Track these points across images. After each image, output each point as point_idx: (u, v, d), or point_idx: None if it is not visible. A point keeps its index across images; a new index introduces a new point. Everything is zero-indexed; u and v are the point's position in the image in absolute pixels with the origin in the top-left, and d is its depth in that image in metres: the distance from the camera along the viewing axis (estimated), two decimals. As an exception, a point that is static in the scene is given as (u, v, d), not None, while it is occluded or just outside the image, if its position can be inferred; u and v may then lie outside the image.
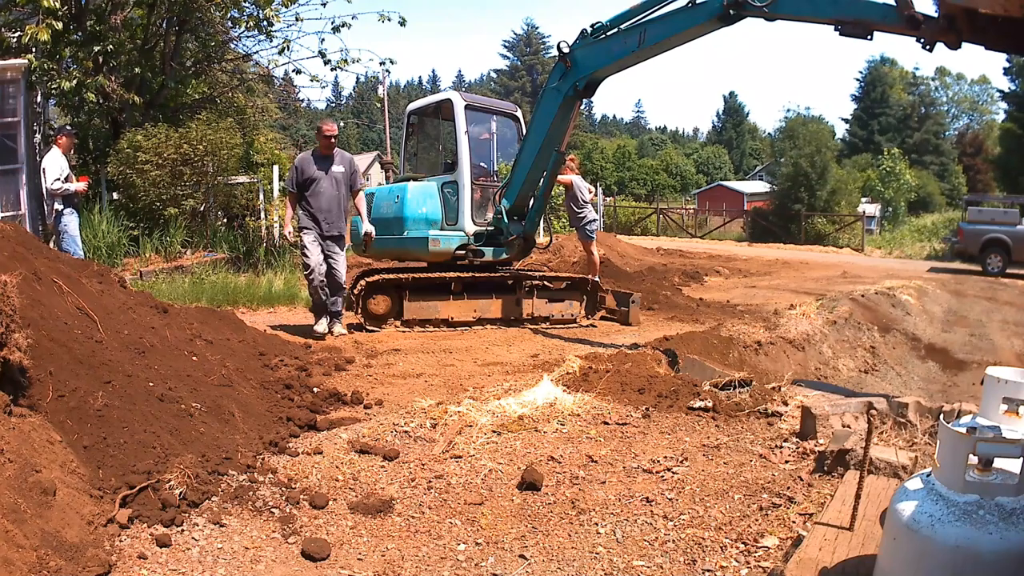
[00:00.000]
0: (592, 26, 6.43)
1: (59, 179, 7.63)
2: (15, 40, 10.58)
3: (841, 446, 3.19)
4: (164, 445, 2.98)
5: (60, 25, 9.84)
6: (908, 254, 23.92)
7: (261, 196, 11.05)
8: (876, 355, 7.66)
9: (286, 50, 12.40)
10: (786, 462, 3.42)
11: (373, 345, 6.62)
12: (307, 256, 6.61)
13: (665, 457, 3.52)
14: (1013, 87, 31.05)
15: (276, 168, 11.56)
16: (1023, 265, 16.55)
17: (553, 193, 9.41)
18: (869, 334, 8.04)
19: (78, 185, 7.96)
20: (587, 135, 61.32)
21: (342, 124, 77.32)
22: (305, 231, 6.65)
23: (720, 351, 6.17)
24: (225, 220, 11.41)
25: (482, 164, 8.35)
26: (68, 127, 8.76)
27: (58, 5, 9.71)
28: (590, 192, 10.06)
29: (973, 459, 1.83)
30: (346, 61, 12.51)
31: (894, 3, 4.53)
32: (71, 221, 7.82)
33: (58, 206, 7.67)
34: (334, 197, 6.71)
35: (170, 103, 12.17)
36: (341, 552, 2.75)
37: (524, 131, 8.13)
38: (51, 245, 7.61)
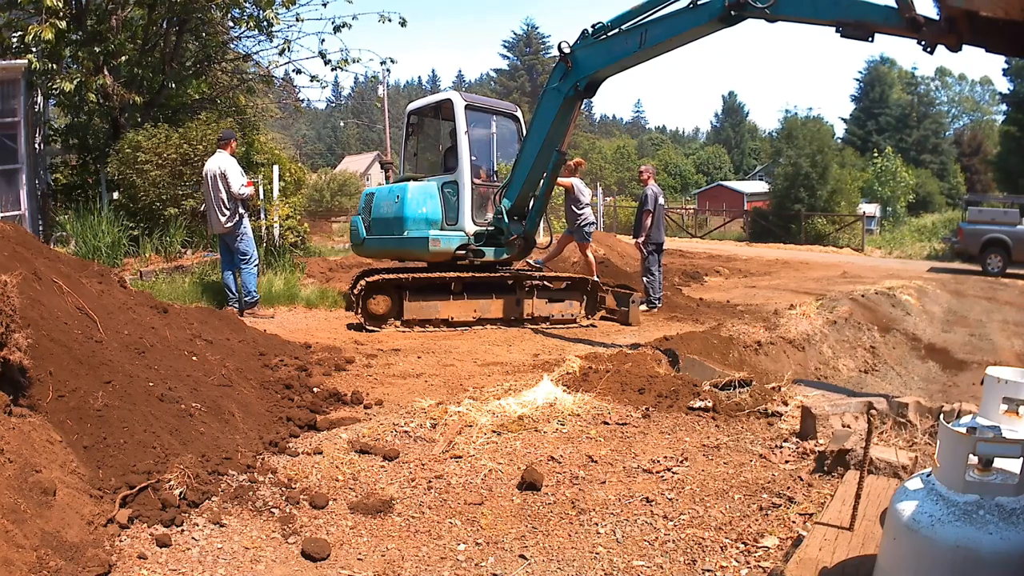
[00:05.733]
0: (593, 26, 6.43)
1: (243, 184, 7.70)
2: (16, 40, 10.57)
3: (841, 446, 3.19)
4: (164, 445, 2.98)
5: (64, 25, 9.83)
6: (908, 254, 23.93)
7: (261, 196, 11.03)
8: (876, 355, 7.65)
9: (286, 50, 12.40)
10: (786, 462, 3.42)
11: (373, 345, 6.63)
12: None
13: (665, 457, 3.52)
14: (1012, 88, 31.03)
15: (276, 168, 11.55)
16: (1023, 265, 16.55)
17: (553, 193, 9.43)
18: (869, 334, 8.04)
19: (252, 189, 8.02)
20: (585, 135, 61.27)
21: (342, 124, 77.47)
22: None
23: (720, 351, 6.17)
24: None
25: (482, 166, 8.35)
26: (230, 131, 8.59)
27: (60, 5, 9.71)
28: (590, 194, 10.11)
29: (973, 459, 1.83)
30: (346, 61, 12.51)
31: (895, 5, 4.53)
32: (249, 224, 7.97)
33: (241, 210, 7.73)
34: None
35: (170, 103, 12.16)
36: (341, 552, 2.75)
37: (524, 131, 8.13)
38: (238, 245, 7.75)
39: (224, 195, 7.55)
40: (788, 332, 6.97)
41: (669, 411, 4.16)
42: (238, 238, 7.74)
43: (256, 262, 8.01)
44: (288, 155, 16.44)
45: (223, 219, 7.60)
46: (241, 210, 7.72)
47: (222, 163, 7.59)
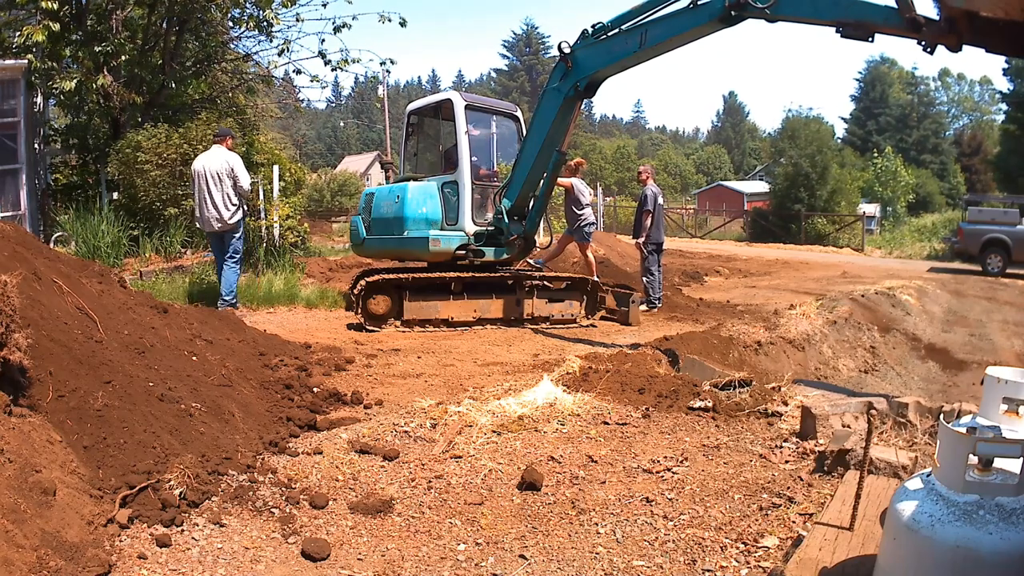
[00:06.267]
0: (593, 26, 6.43)
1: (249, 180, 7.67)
2: (16, 40, 10.57)
3: (841, 446, 3.19)
4: (164, 445, 2.98)
5: (58, 27, 9.82)
6: (908, 254, 23.93)
7: (261, 196, 11.04)
8: (876, 355, 7.65)
9: (286, 51, 12.40)
10: (786, 462, 3.42)
11: (373, 345, 6.63)
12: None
13: (665, 457, 3.52)
14: (1012, 88, 31.04)
15: (276, 168, 11.55)
16: (1023, 265, 16.55)
17: (553, 193, 9.46)
18: (869, 334, 8.04)
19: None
20: (585, 135, 61.31)
21: (342, 124, 77.41)
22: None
23: (720, 351, 6.17)
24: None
25: (482, 166, 8.35)
26: (227, 128, 8.55)
27: (57, 6, 9.71)
28: (590, 194, 10.11)
29: (973, 459, 1.83)
30: (346, 61, 12.51)
31: (895, 5, 4.53)
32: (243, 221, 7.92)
33: (245, 207, 7.66)
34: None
35: (170, 103, 12.17)
36: (341, 552, 2.75)
37: (524, 131, 8.13)
38: (238, 239, 7.70)
39: (231, 190, 7.45)
40: (788, 332, 6.97)
41: (669, 411, 4.16)
42: (237, 235, 7.66)
43: (241, 260, 7.95)
44: (288, 155, 16.45)
45: (227, 214, 7.48)
46: (245, 206, 7.66)
47: (228, 158, 7.49)
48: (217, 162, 7.49)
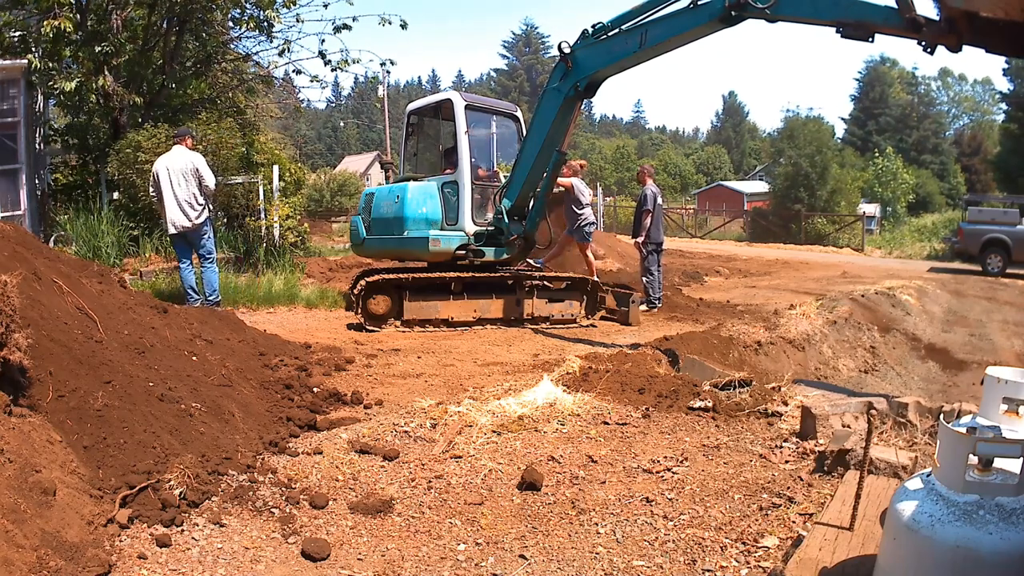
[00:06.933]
0: (593, 27, 6.43)
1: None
2: (16, 39, 10.57)
3: (841, 446, 3.19)
4: (164, 445, 2.98)
5: (78, 17, 9.81)
6: (908, 254, 23.93)
7: (261, 196, 11.03)
8: (876, 355, 7.65)
9: (286, 51, 12.39)
10: (786, 462, 3.42)
11: (373, 345, 6.63)
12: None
13: (665, 457, 3.52)
14: (1012, 88, 31.05)
15: (276, 168, 11.55)
16: (1023, 265, 16.55)
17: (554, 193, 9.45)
18: (869, 334, 8.04)
19: None
20: (585, 135, 61.35)
21: (342, 124, 77.38)
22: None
23: (720, 351, 6.17)
24: (225, 220, 11.41)
25: (481, 166, 8.35)
26: (186, 128, 8.46)
27: None
28: (590, 195, 10.13)
29: (973, 459, 1.83)
30: (347, 62, 12.50)
31: (895, 5, 4.53)
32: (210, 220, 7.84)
33: (211, 205, 7.57)
34: None
35: (170, 103, 12.16)
36: (341, 552, 2.75)
37: (524, 131, 8.13)
38: (204, 242, 7.62)
39: (197, 190, 7.38)
40: (788, 332, 6.97)
41: (669, 411, 4.16)
42: (205, 235, 7.57)
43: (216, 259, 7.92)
44: (288, 155, 16.45)
45: (194, 215, 7.38)
46: (211, 205, 7.60)
47: (192, 158, 7.41)
48: (180, 162, 7.35)
